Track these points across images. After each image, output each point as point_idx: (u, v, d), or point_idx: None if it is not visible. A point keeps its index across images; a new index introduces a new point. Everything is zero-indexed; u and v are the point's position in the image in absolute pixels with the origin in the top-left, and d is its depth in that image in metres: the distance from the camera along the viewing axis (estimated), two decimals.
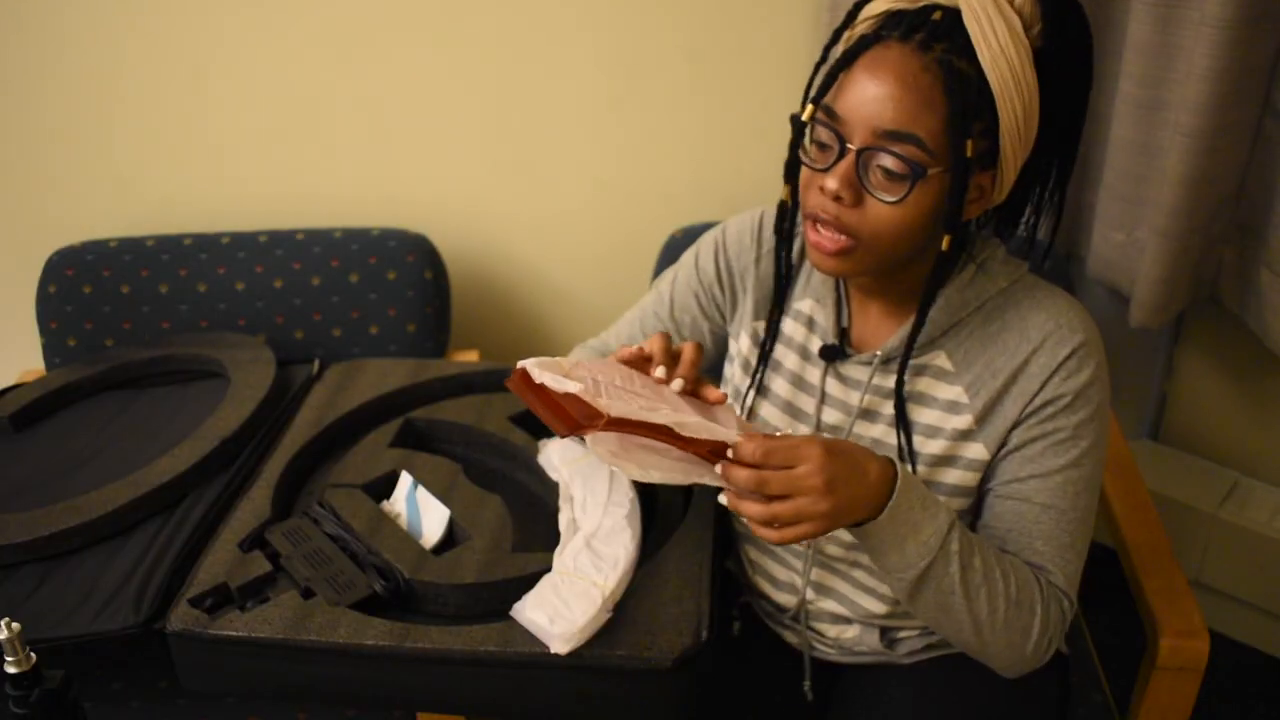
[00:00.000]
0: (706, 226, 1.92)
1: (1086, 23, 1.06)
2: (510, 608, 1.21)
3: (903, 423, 1.19)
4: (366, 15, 1.92)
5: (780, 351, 1.30)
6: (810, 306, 1.28)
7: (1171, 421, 2.25)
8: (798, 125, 1.11)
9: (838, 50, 1.10)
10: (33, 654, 1.02)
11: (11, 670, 1.02)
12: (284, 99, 1.99)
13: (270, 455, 1.50)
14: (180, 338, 1.86)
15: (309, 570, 1.27)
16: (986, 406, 1.16)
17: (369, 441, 1.50)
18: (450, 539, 1.34)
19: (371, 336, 1.95)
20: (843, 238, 1.09)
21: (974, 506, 1.22)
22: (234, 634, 1.19)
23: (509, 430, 1.51)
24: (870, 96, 1.05)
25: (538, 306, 2.22)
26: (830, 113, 1.08)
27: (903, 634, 1.33)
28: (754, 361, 1.32)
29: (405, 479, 1.42)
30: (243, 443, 1.56)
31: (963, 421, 1.17)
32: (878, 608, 1.29)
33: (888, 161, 1.05)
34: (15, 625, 1.00)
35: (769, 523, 1.01)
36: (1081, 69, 1.07)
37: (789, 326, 1.30)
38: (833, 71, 1.08)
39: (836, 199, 1.07)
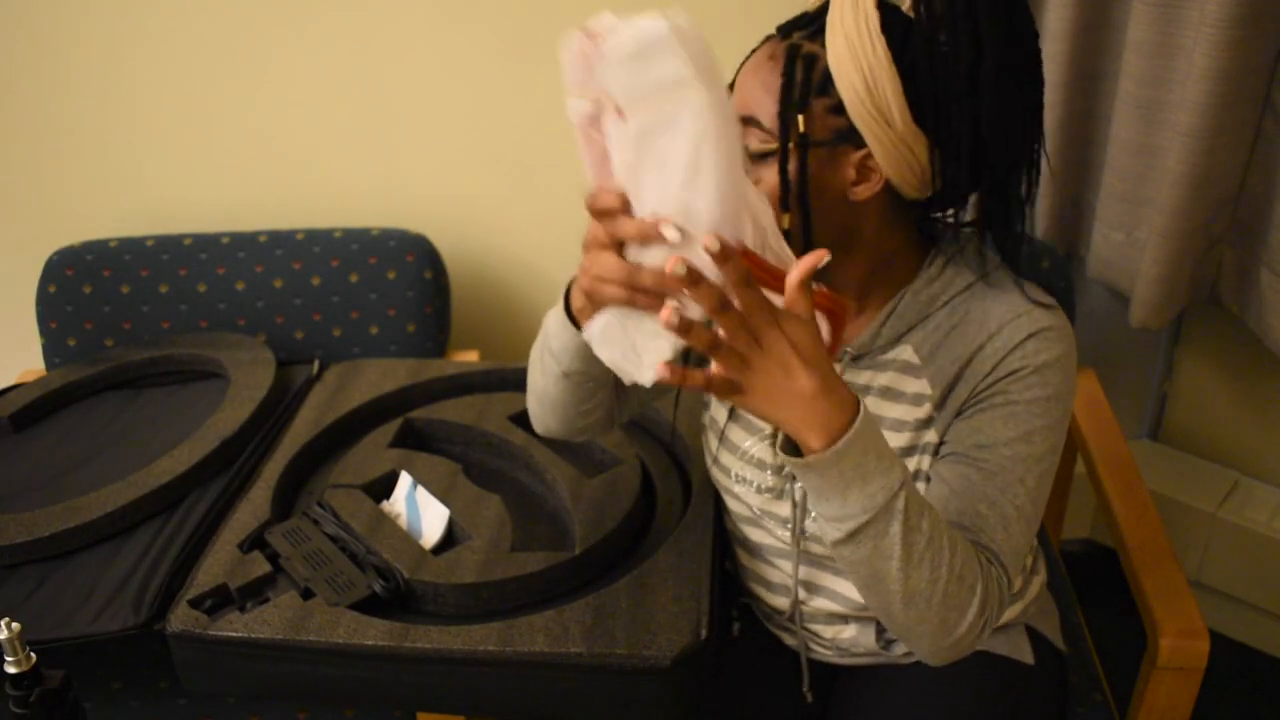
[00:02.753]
0: None
1: None
2: (509, 608, 1.22)
3: None
4: (367, 15, 1.92)
5: None
6: None
7: (1171, 421, 2.25)
8: None
9: None
10: (33, 654, 1.02)
11: (11, 670, 1.02)
12: (284, 99, 1.99)
13: (270, 456, 1.50)
14: (180, 338, 1.86)
15: (308, 571, 1.27)
16: (943, 392, 1.16)
17: (369, 441, 1.50)
18: (450, 539, 1.34)
19: (371, 336, 1.95)
20: None
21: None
22: (234, 635, 1.20)
23: (508, 430, 1.51)
24: (738, 92, 1.11)
25: (538, 306, 2.21)
26: None
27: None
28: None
29: (405, 479, 1.42)
30: (243, 443, 1.56)
31: (923, 411, 1.17)
32: None
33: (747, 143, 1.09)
34: (15, 625, 1.00)
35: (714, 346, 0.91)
36: (966, 46, 1.01)
37: None
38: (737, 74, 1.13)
39: None
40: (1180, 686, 1.39)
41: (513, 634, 1.18)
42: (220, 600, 1.25)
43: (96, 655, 1.54)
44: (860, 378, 1.21)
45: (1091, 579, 2.07)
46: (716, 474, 1.34)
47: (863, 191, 1.09)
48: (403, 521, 1.37)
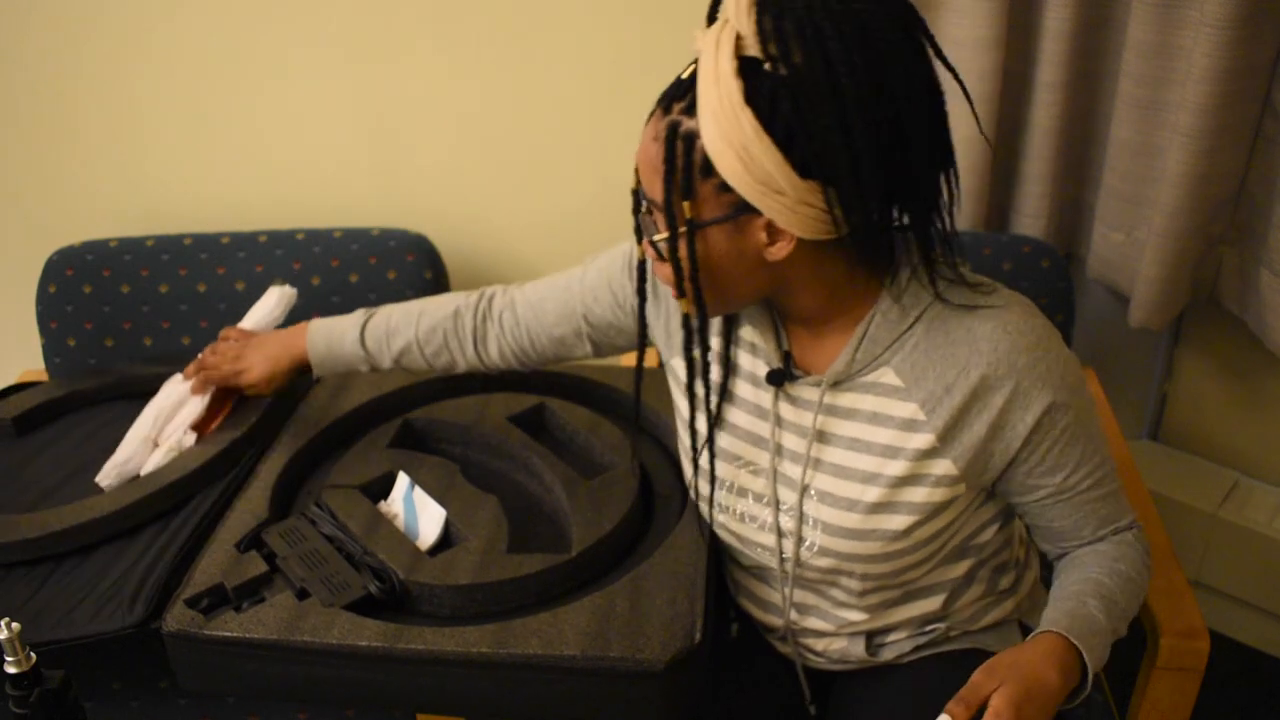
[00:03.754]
0: None
1: (820, 40, 0.98)
2: (504, 609, 1.22)
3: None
4: (367, 16, 1.92)
5: (735, 384, 1.28)
6: (749, 332, 1.25)
7: (1171, 421, 2.25)
8: (634, 196, 1.14)
9: None
10: (33, 654, 1.03)
11: (11, 670, 1.02)
12: (284, 99, 1.99)
13: (268, 456, 1.50)
14: (185, 352, 1.85)
15: (305, 571, 1.27)
16: (948, 426, 1.14)
17: (367, 442, 1.50)
18: (446, 540, 1.35)
19: None
20: (673, 288, 1.12)
21: (951, 518, 1.21)
22: (229, 635, 1.20)
23: (507, 430, 1.51)
24: (639, 168, 1.10)
25: None
26: None
27: (889, 638, 1.32)
28: (695, 390, 1.28)
29: (403, 479, 1.42)
30: (246, 447, 1.56)
31: (923, 440, 1.15)
32: (858, 616, 1.29)
33: (650, 226, 1.11)
34: (15, 625, 1.00)
35: None
36: (826, 94, 0.98)
37: (740, 358, 1.27)
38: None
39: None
40: (1180, 686, 1.39)
41: (507, 636, 1.17)
42: (216, 600, 1.25)
43: (96, 655, 1.54)
44: (842, 400, 1.19)
45: None
46: (703, 508, 1.33)
47: (778, 252, 1.07)
48: (400, 522, 1.37)
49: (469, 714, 1.25)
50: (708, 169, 1.03)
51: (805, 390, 1.21)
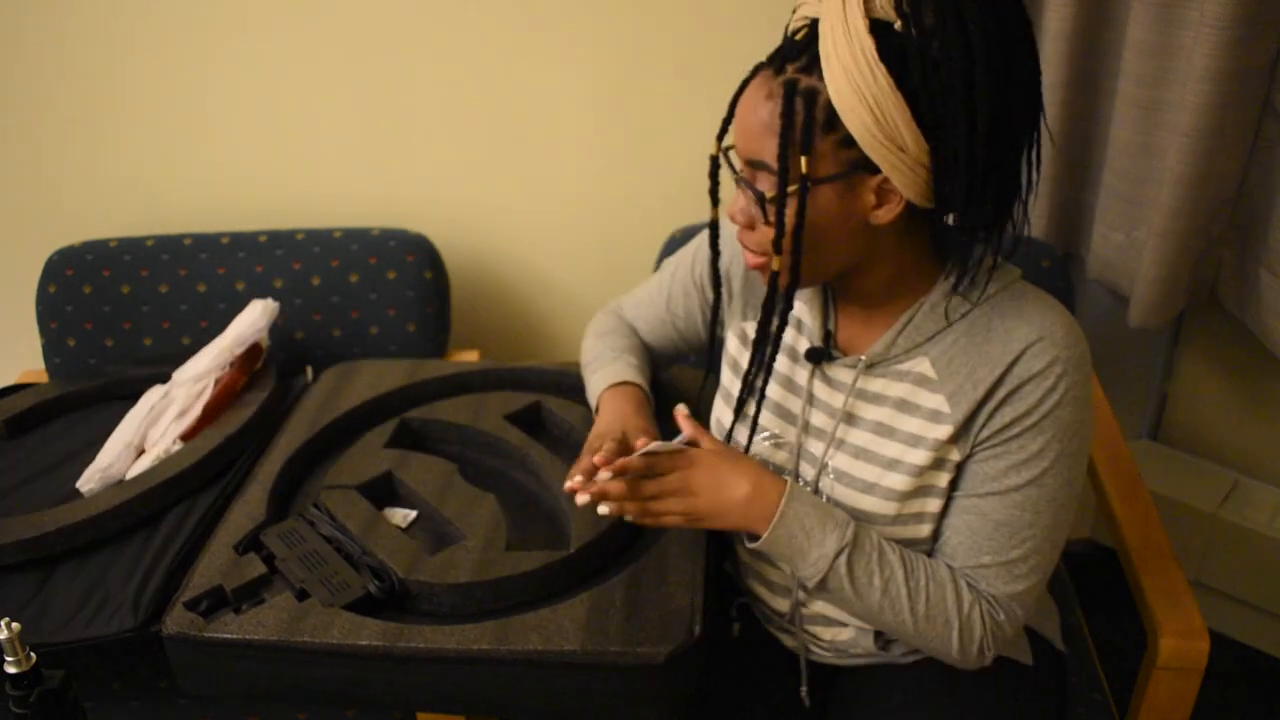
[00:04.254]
0: (706, 226, 1.93)
1: (956, 5, 1.00)
2: (504, 607, 1.22)
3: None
4: (367, 16, 1.92)
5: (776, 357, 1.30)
6: (798, 308, 1.28)
7: (1171, 421, 2.25)
8: (712, 162, 1.17)
9: None
10: (33, 654, 1.03)
11: (11, 670, 1.02)
12: (284, 99, 1.99)
13: (266, 457, 1.50)
14: (178, 352, 1.86)
15: (304, 572, 1.28)
16: (966, 417, 1.15)
17: (365, 442, 1.50)
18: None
19: (371, 337, 1.95)
20: (755, 255, 1.15)
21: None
22: (229, 636, 1.20)
23: (504, 429, 1.51)
24: (739, 130, 1.11)
25: (538, 306, 2.22)
26: (733, 146, 1.14)
27: None
28: (742, 363, 1.31)
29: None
30: (241, 446, 1.56)
31: (944, 431, 1.16)
32: None
33: (752, 188, 1.10)
34: (15, 625, 1.01)
35: (641, 515, 1.17)
36: (959, 55, 1.00)
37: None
38: (730, 109, 1.13)
39: (747, 222, 1.14)
40: (1180, 686, 1.39)
41: (507, 633, 1.18)
42: (216, 602, 1.25)
43: (96, 655, 1.54)
44: (873, 385, 1.20)
45: (1091, 579, 2.07)
46: None
47: (884, 214, 1.09)
48: None
49: (470, 711, 1.25)
50: (830, 124, 1.04)
51: (840, 371, 1.23)
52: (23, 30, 1.91)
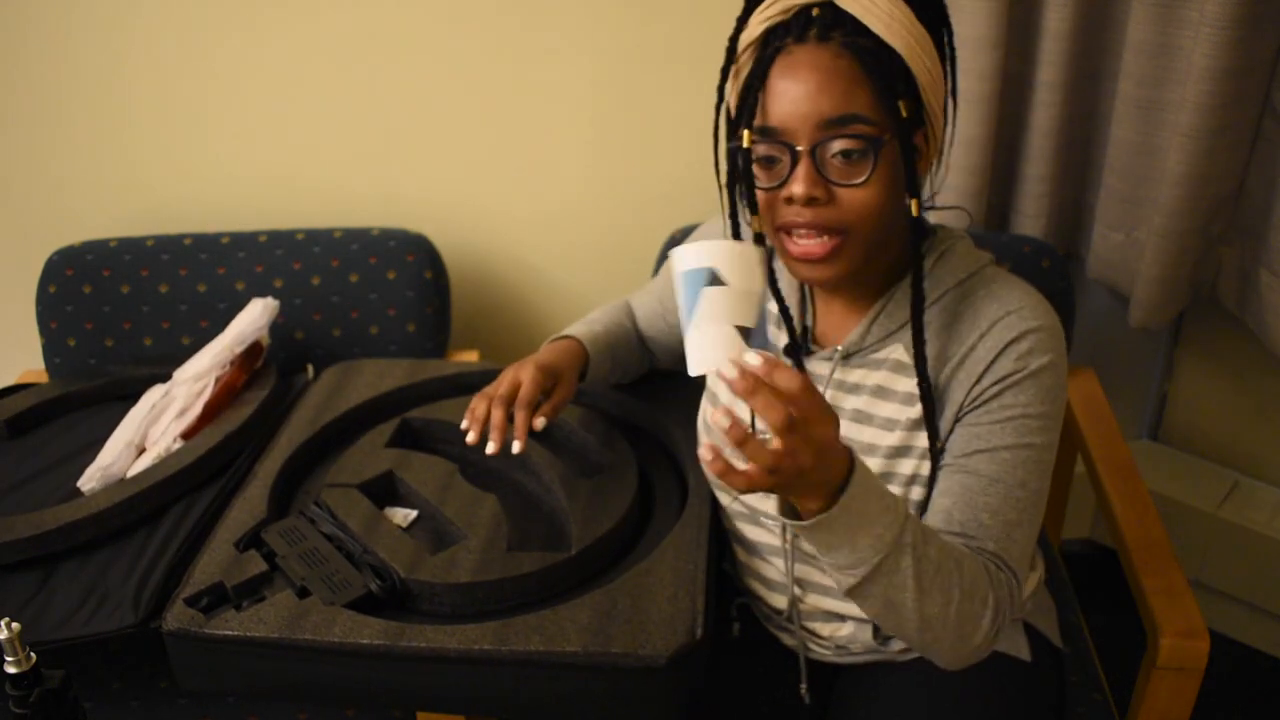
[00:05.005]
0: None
1: None
2: (505, 607, 1.22)
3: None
4: (367, 16, 1.92)
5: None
6: (776, 303, 1.28)
7: (1171, 421, 2.25)
8: (744, 155, 1.12)
9: (739, 79, 1.14)
10: (33, 654, 1.03)
11: (11, 670, 1.02)
12: (284, 99, 1.99)
13: (267, 455, 1.50)
14: (180, 354, 1.86)
15: (305, 570, 1.27)
16: (935, 394, 1.16)
17: (365, 441, 1.50)
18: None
19: (371, 337, 1.95)
20: (828, 239, 1.11)
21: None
22: (229, 633, 1.20)
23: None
24: (800, 96, 1.08)
25: (538, 306, 2.22)
26: (766, 130, 1.11)
27: None
28: (795, 342, 1.31)
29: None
30: (241, 443, 1.56)
31: (915, 411, 1.17)
32: None
33: (841, 145, 1.08)
34: (15, 625, 1.00)
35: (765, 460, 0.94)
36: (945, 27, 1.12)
37: (766, 329, 1.32)
38: (749, 95, 1.11)
39: (811, 201, 1.09)
40: (1180, 686, 1.39)
41: (509, 633, 1.17)
42: (216, 599, 1.25)
43: (96, 655, 1.54)
44: (852, 376, 1.22)
45: (1091, 579, 2.07)
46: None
47: (923, 168, 1.14)
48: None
49: (471, 711, 1.25)
50: (898, 76, 1.08)
51: (818, 364, 1.25)
52: (23, 30, 1.91)
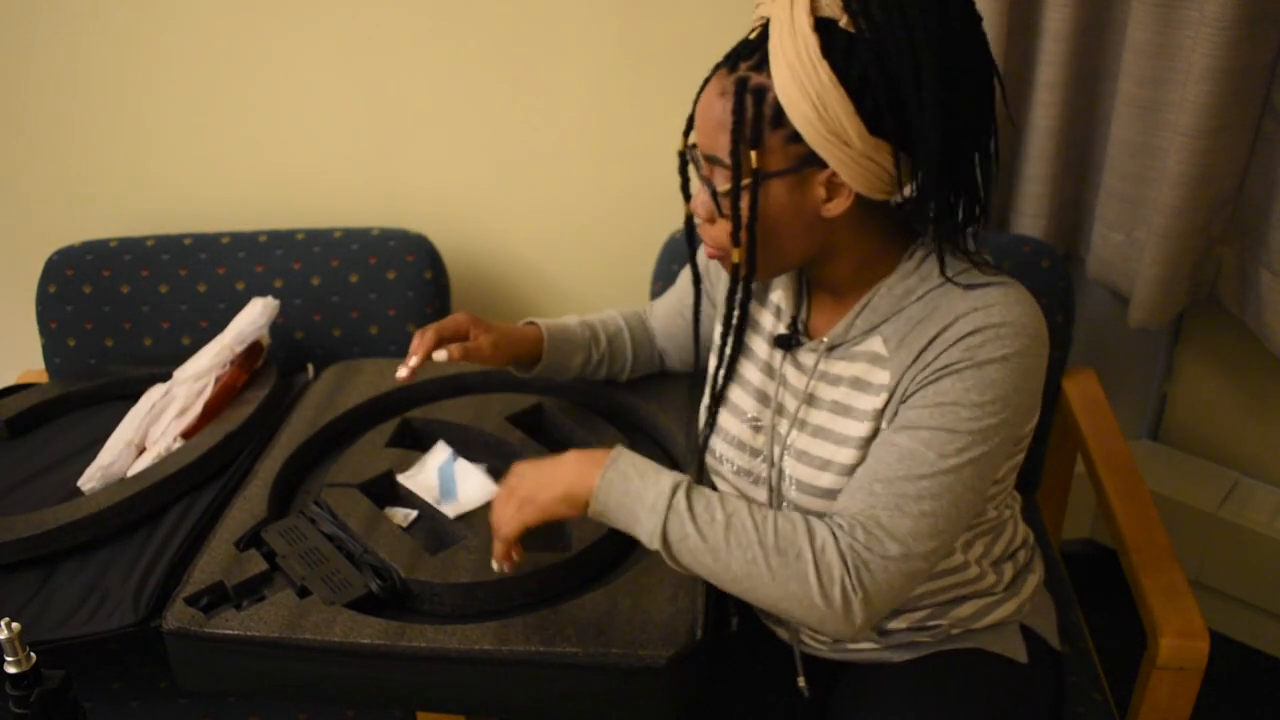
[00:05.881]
0: None
1: (900, 2, 1.03)
2: (505, 607, 1.22)
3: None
4: (367, 16, 1.92)
5: (755, 341, 1.33)
6: (779, 296, 1.31)
7: (1171, 421, 2.25)
8: (680, 158, 1.20)
9: None
10: (33, 654, 1.03)
11: (11, 670, 1.02)
12: (284, 99, 1.99)
13: (267, 454, 1.50)
14: (180, 353, 1.87)
15: (305, 569, 1.27)
16: (895, 382, 1.16)
17: (366, 441, 1.50)
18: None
19: (371, 336, 1.95)
20: (714, 248, 1.18)
21: None
22: (229, 633, 1.20)
23: (506, 430, 1.51)
24: (698, 127, 1.13)
25: (538, 307, 2.22)
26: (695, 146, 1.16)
27: (890, 624, 1.33)
28: (724, 350, 1.33)
29: (441, 449, 1.47)
30: (242, 443, 1.56)
31: (881, 400, 1.18)
32: None
33: (708, 183, 1.13)
34: (15, 625, 1.00)
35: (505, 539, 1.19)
36: (904, 50, 1.03)
37: (763, 317, 1.32)
38: (694, 107, 1.15)
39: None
40: (1180, 686, 1.39)
41: (508, 633, 1.18)
42: (216, 598, 1.25)
43: (96, 655, 1.54)
44: (834, 367, 1.22)
45: (1091, 579, 2.07)
46: (708, 459, 1.36)
47: (835, 208, 1.11)
48: (431, 490, 1.41)
49: (471, 711, 1.25)
50: (778, 120, 1.07)
51: (806, 355, 1.25)
52: (24, 31, 1.91)
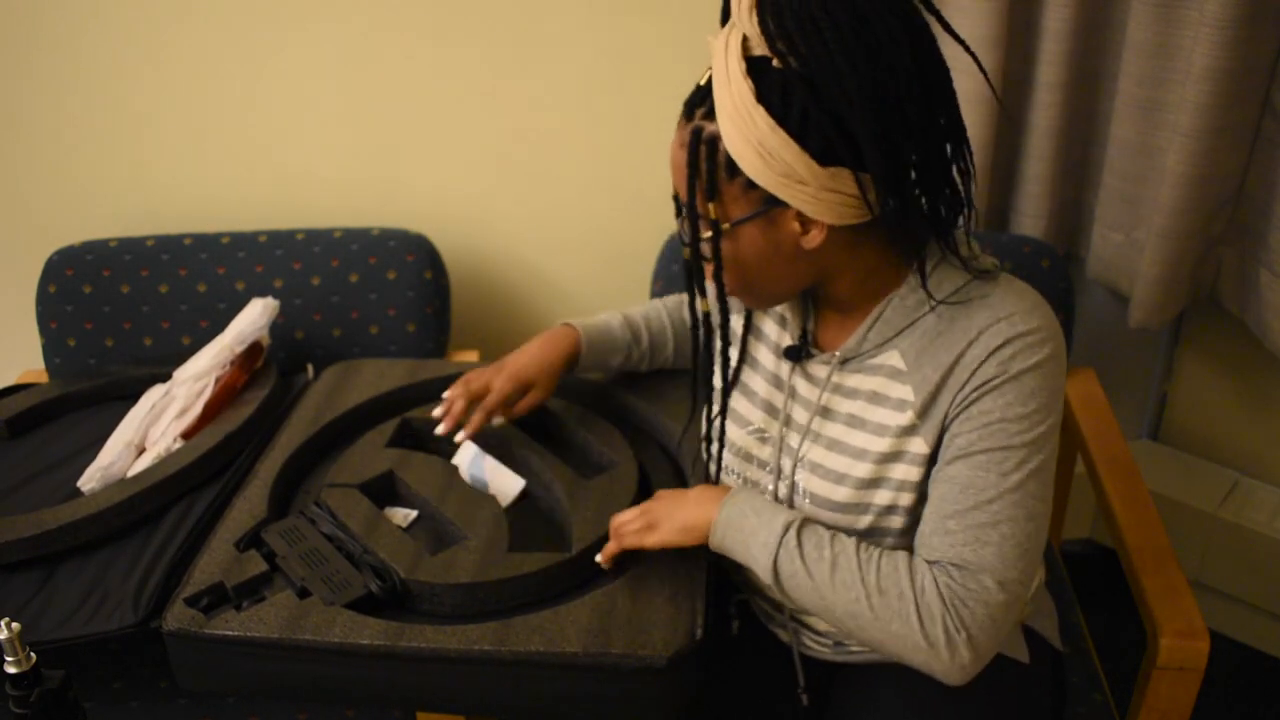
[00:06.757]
0: None
1: (819, 30, 1.01)
2: (505, 608, 1.22)
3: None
4: (366, 15, 1.92)
5: (759, 350, 1.32)
6: (783, 307, 1.31)
7: (1171, 421, 2.25)
8: (675, 201, 1.18)
9: None
10: (33, 654, 1.03)
11: (11, 670, 1.02)
12: (284, 99, 1.99)
13: (267, 455, 1.50)
14: (180, 354, 1.87)
15: (305, 570, 1.27)
16: (925, 401, 1.16)
17: (366, 441, 1.50)
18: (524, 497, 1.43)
19: (371, 337, 1.95)
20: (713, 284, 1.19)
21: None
22: (229, 633, 1.20)
23: (505, 430, 1.51)
24: (672, 174, 1.15)
25: (538, 306, 2.22)
26: None
27: None
28: (728, 359, 1.33)
29: (468, 448, 1.48)
30: (242, 443, 1.57)
31: (905, 418, 1.17)
32: None
33: (681, 229, 1.15)
34: (15, 625, 1.00)
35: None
36: (830, 80, 1.01)
37: (768, 327, 1.32)
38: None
39: None
40: (1180, 686, 1.39)
41: (509, 634, 1.18)
42: (216, 599, 1.25)
43: (96, 655, 1.54)
44: (849, 381, 1.22)
45: (1091, 579, 2.07)
46: (711, 469, 1.36)
47: (811, 240, 1.11)
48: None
49: (471, 712, 1.25)
50: (733, 169, 1.07)
51: (817, 368, 1.25)
52: (22, 30, 1.91)
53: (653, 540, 1.24)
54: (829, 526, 1.19)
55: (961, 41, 1.13)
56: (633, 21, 1.93)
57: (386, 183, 2.08)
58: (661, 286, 1.92)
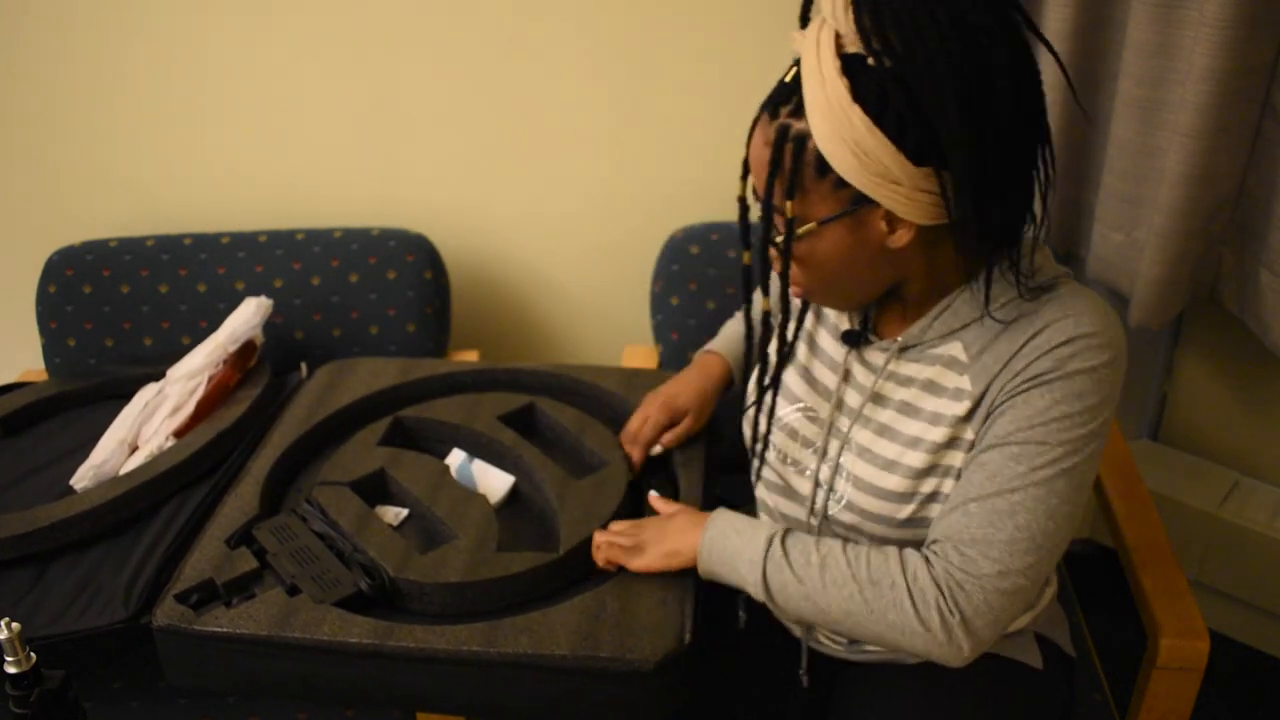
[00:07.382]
0: (707, 226, 1.93)
1: (919, 29, 1.00)
2: (494, 608, 1.22)
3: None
4: (367, 16, 1.92)
5: (819, 333, 1.33)
6: None
7: (1171, 421, 2.24)
8: (740, 204, 1.18)
9: None
10: (33, 654, 1.03)
11: (11, 670, 1.02)
12: (284, 99, 2.00)
13: (259, 452, 1.50)
14: (175, 352, 1.87)
15: (295, 567, 1.28)
16: (982, 391, 1.15)
17: (358, 439, 1.50)
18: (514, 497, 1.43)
19: (371, 336, 1.95)
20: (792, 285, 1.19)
21: None
22: (219, 630, 1.20)
23: (498, 430, 1.51)
24: (752, 171, 1.14)
25: (538, 306, 2.22)
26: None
27: None
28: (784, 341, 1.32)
29: (457, 455, 1.48)
30: (234, 442, 1.57)
31: (962, 407, 1.16)
32: None
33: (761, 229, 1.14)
34: (15, 625, 1.01)
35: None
36: (929, 81, 1.00)
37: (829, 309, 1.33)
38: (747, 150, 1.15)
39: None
40: (1180, 686, 1.39)
41: (497, 634, 1.18)
42: (206, 595, 1.26)
43: (96, 655, 1.54)
44: (905, 369, 1.21)
45: (1091, 579, 2.06)
46: (758, 445, 1.35)
47: (898, 240, 1.10)
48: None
49: (459, 712, 1.25)
50: (823, 168, 1.06)
51: (875, 354, 1.25)
52: (23, 30, 1.92)
53: (638, 564, 1.27)
54: (868, 514, 1.20)
55: (1043, 38, 1.12)
56: (635, 22, 1.93)
57: (386, 183, 2.08)
58: (661, 286, 1.92)
